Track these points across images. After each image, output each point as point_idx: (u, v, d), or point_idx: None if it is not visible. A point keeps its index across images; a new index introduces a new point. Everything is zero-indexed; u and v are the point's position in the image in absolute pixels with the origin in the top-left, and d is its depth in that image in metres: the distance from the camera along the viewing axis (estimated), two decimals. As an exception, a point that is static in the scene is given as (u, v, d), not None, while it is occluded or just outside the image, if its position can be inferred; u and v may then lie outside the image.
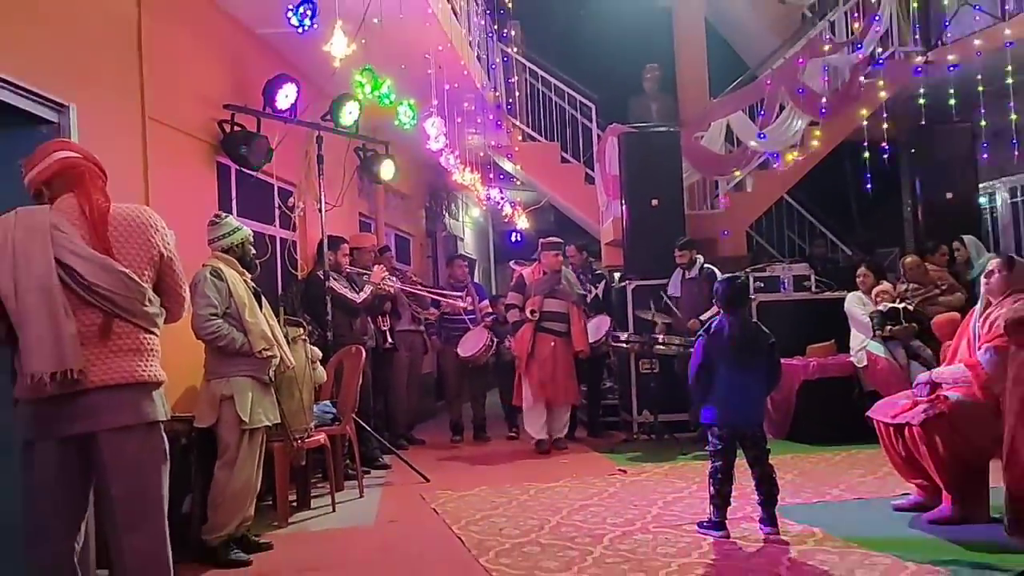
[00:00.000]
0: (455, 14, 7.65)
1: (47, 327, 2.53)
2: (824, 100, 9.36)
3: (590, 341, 7.59)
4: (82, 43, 4.32)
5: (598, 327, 7.84)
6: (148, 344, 2.77)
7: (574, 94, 10.90)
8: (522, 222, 12.47)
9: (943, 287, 7.07)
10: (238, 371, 4.34)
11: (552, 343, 7.23)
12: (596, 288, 8.36)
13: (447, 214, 13.33)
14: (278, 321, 4.78)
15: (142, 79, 4.87)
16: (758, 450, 4.35)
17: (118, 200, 2.94)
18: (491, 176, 10.80)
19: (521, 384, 7.35)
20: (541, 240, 7.66)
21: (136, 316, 2.72)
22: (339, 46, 4.25)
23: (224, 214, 4.63)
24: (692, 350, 4.57)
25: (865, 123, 9.51)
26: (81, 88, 4.21)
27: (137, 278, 2.70)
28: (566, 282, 7.39)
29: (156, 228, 2.83)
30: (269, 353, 4.33)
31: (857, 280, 7.06)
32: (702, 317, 7.03)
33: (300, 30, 4.09)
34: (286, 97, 5.87)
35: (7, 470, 3.04)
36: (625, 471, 6.23)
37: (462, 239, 14.36)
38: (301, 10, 4.11)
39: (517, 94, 10.97)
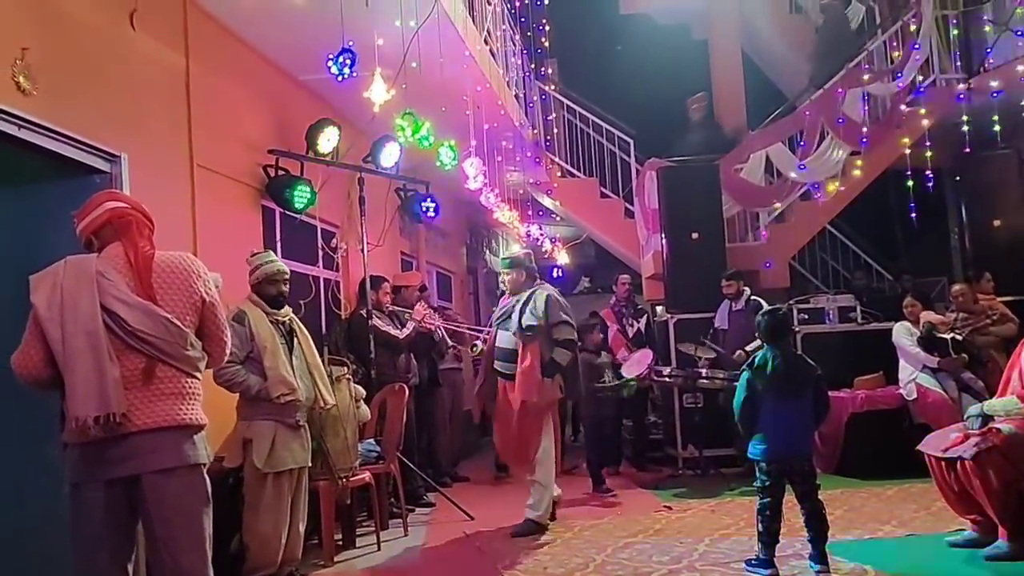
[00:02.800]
0: (493, 55, 7.77)
1: (92, 372, 2.61)
2: (865, 130, 9.30)
3: (630, 377, 7.55)
4: (133, 94, 4.48)
5: (640, 361, 7.80)
6: (190, 388, 2.84)
7: (612, 129, 10.96)
8: (562, 257, 12.50)
9: (994, 316, 6.92)
10: (260, 414, 4.35)
11: (502, 389, 5.66)
12: (638, 322, 8.34)
13: (488, 251, 13.43)
14: (322, 361, 4.84)
15: (190, 127, 5.03)
16: (807, 485, 4.28)
17: (167, 244, 3.03)
18: (530, 212, 10.87)
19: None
20: (501, 258, 6.29)
21: (178, 360, 2.79)
22: (379, 92, 4.35)
23: (258, 251, 4.71)
24: (736, 384, 4.54)
25: (908, 151, 9.41)
26: (132, 138, 4.36)
27: (180, 323, 2.78)
28: (524, 308, 5.53)
29: (199, 274, 2.90)
30: (288, 398, 4.31)
31: (905, 310, 6.94)
32: (747, 348, 6.96)
33: (340, 78, 4.19)
34: (328, 141, 6.00)
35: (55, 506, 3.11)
36: (671, 508, 6.16)
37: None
38: (341, 59, 4.21)
39: (555, 131, 11.06)
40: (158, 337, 2.73)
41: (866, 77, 9.49)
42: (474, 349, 6.04)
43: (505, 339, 5.58)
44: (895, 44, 9.88)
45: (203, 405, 2.92)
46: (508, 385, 5.54)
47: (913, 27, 9.61)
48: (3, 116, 3.49)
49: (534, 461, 5.50)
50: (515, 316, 5.49)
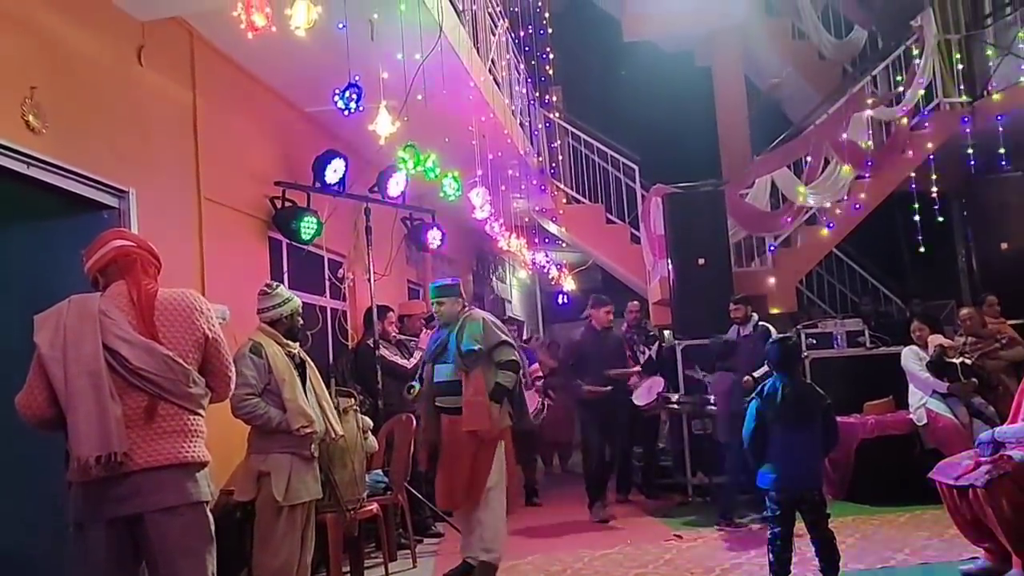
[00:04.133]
0: (497, 84, 7.83)
1: (94, 411, 2.61)
2: (870, 154, 9.32)
3: (641, 403, 7.53)
4: (141, 130, 4.53)
5: (650, 388, 7.77)
6: (192, 425, 2.83)
7: (616, 155, 11.01)
8: (569, 284, 12.51)
9: (1003, 340, 6.88)
10: (277, 447, 4.31)
11: (447, 424, 5.20)
12: (649, 349, 8.31)
13: (494, 277, 13.46)
14: (329, 392, 4.83)
15: (197, 161, 5.07)
16: (816, 515, 4.25)
17: (174, 277, 3.04)
18: (536, 240, 10.89)
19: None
20: (430, 286, 5.59)
21: (180, 398, 2.79)
22: (384, 126, 4.38)
23: (275, 284, 4.67)
24: (746, 410, 4.52)
25: (913, 175, 9.42)
26: (140, 173, 4.40)
27: (182, 361, 2.78)
28: (458, 336, 5.17)
29: (201, 311, 2.91)
30: (308, 430, 4.29)
31: (913, 335, 6.90)
32: (755, 375, 6.92)
33: (346, 113, 4.22)
34: (335, 172, 6.04)
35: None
36: (681, 536, 6.11)
37: (510, 301, 14.45)
38: (347, 94, 4.25)
39: (560, 158, 11.11)
40: (160, 375, 2.73)
41: (870, 102, 9.53)
42: (410, 391, 5.46)
43: (444, 372, 5.19)
44: (898, 69, 9.92)
45: (207, 439, 2.92)
46: (453, 420, 5.11)
47: (916, 51, 9.66)
48: (12, 154, 3.53)
49: (483, 496, 5.04)
50: (452, 346, 5.15)
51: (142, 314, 2.76)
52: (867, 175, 9.46)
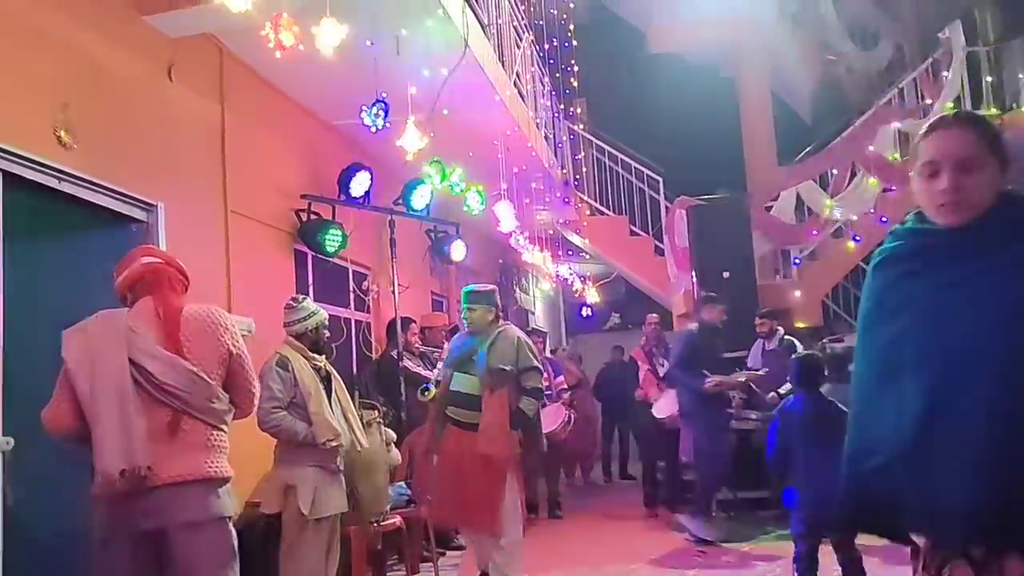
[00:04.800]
0: (522, 97, 7.86)
1: (118, 426, 2.65)
2: (897, 167, 9.23)
3: (663, 416, 7.49)
4: (170, 145, 4.59)
5: (673, 401, 7.73)
6: (215, 441, 2.86)
7: (640, 167, 10.99)
8: (592, 295, 12.49)
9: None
10: (303, 460, 4.32)
11: (456, 439, 4.88)
12: (669, 362, 8.27)
13: (517, 288, 13.45)
14: (353, 404, 4.84)
15: (225, 175, 5.13)
16: (843, 534, 4.19)
17: (201, 290, 3.07)
18: (560, 252, 10.89)
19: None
20: (463, 291, 5.21)
21: (204, 413, 2.81)
22: (412, 141, 4.41)
23: (301, 297, 4.68)
24: (769, 426, 4.48)
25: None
26: (168, 187, 4.46)
27: (206, 376, 2.81)
28: (491, 349, 4.88)
29: (226, 327, 2.93)
30: (334, 444, 4.30)
31: None
32: (780, 391, 6.87)
33: (373, 129, 4.26)
34: (360, 185, 6.09)
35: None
36: (705, 552, 6.06)
37: (533, 313, 14.43)
38: (374, 110, 4.29)
39: (584, 170, 11.12)
40: (185, 390, 2.76)
41: (897, 114, 9.45)
42: (426, 394, 5.15)
43: (464, 383, 4.89)
44: (927, 81, 9.84)
45: (232, 451, 2.95)
46: (464, 436, 4.81)
47: (944, 64, 9.57)
48: (45, 170, 3.59)
49: (501, 521, 4.75)
50: (480, 359, 4.84)
51: (168, 330, 2.79)
52: (894, 188, 9.37)
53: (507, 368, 4.82)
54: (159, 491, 2.69)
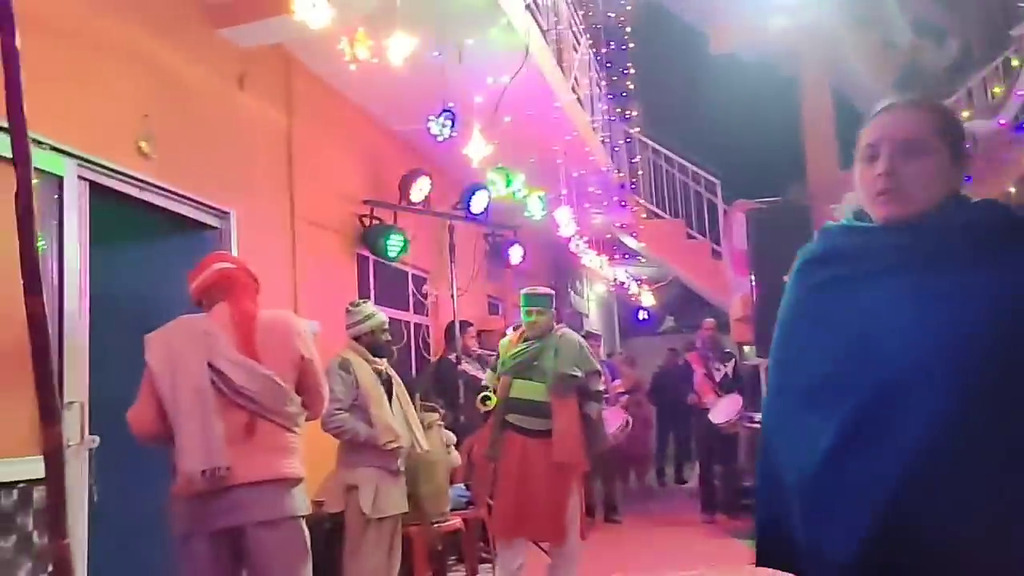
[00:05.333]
0: (580, 102, 7.88)
1: (198, 427, 2.74)
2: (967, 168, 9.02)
3: (719, 421, 7.45)
4: (241, 153, 4.72)
5: (728, 407, 7.69)
6: (289, 442, 2.95)
7: (698, 170, 10.92)
8: (648, 298, 12.44)
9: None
10: (365, 461, 4.38)
11: (521, 446, 4.71)
12: (725, 366, 8.23)
13: (572, 291, 13.45)
14: (414, 406, 4.91)
15: (291, 182, 5.26)
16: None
17: (269, 294, 3.16)
18: (616, 255, 10.88)
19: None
20: (521, 292, 5.02)
21: (279, 416, 2.91)
22: (478, 149, 4.47)
23: (360, 301, 4.77)
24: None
25: (1012, 190, 9.08)
26: (240, 194, 4.59)
27: (281, 381, 2.90)
28: (554, 354, 4.75)
29: (298, 332, 3.03)
30: (394, 445, 4.36)
31: None
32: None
33: (440, 138, 4.33)
34: (420, 190, 6.19)
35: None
36: (764, 559, 6.00)
37: (587, 316, 14.41)
38: (441, 119, 4.36)
39: (640, 173, 11.09)
40: (260, 394, 2.85)
41: (965, 114, 9.23)
42: (487, 403, 4.84)
43: (529, 390, 4.74)
44: (996, 80, 9.59)
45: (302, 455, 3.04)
46: (529, 443, 4.68)
47: (1015, 62, 9.32)
48: (127, 179, 3.74)
49: (567, 527, 4.69)
50: (545, 363, 4.73)
51: (244, 335, 2.89)
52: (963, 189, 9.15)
53: (577, 373, 4.71)
54: (236, 490, 2.78)
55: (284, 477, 2.89)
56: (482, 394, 4.82)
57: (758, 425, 6.96)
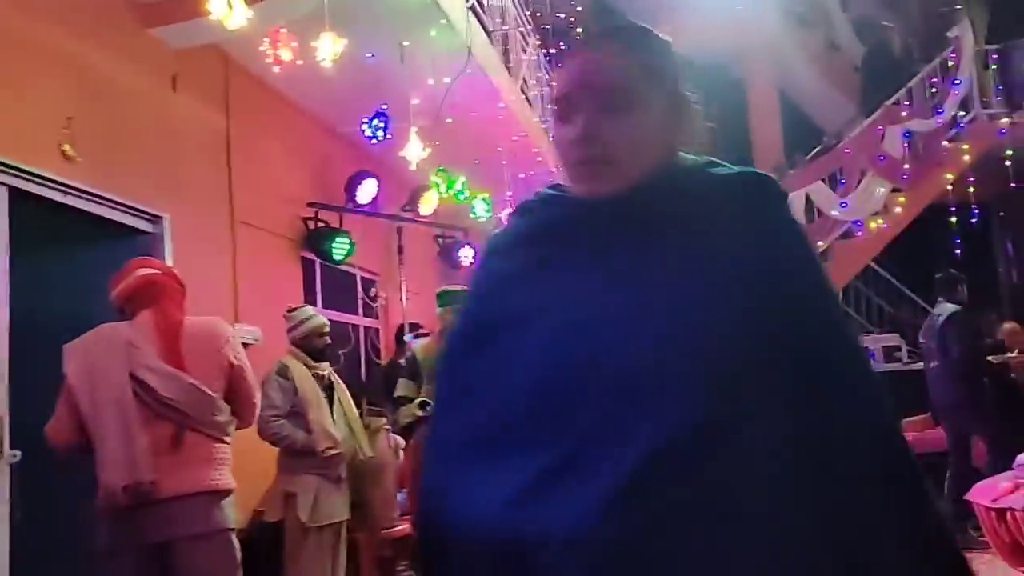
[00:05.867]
0: (528, 102, 7.85)
1: (121, 441, 2.66)
2: (906, 166, 9.20)
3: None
4: (175, 156, 4.62)
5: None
6: (218, 453, 2.87)
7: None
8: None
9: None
10: (304, 468, 4.31)
11: None
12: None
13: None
14: (360, 411, 4.85)
15: (231, 184, 5.15)
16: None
17: (208, 300, 3.09)
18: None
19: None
20: (438, 291, 4.80)
21: (206, 426, 2.83)
22: (414, 151, 4.42)
23: (296, 306, 4.69)
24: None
25: (951, 187, 9.28)
26: (174, 198, 4.48)
27: (207, 389, 2.82)
28: None
29: (226, 339, 2.95)
30: (333, 452, 4.29)
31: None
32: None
33: (374, 141, 4.28)
34: (367, 192, 6.11)
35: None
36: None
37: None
38: (375, 122, 4.31)
39: (592, 173, 11.10)
40: (186, 404, 2.77)
41: (905, 114, 9.42)
42: (428, 409, 4.14)
43: None
44: (934, 80, 9.79)
45: (239, 460, 2.97)
46: None
47: (952, 63, 9.53)
48: (50, 183, 3.62)
49: None
50: None
51: (168, 344, 2.80)
52: (903, 187, 9.34)
53: None
54: (163, 504, 2.70)
55: (213, 489, 2.82)
56: (420, 400, 4.31)
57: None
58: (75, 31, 3.91)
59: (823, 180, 9.49)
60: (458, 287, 4.66)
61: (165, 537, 2.72)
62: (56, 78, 3.78)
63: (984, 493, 4.52)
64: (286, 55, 3.35)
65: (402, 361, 6.40)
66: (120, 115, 4.17)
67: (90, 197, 3.85)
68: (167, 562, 2.76)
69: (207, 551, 2.78)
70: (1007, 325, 7.07)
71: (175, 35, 4.54)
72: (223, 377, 2.91)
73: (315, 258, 6.21)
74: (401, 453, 5.46)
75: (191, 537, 2.74)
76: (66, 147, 3.69)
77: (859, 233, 9.64)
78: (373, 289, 7.25)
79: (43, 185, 3.59)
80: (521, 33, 8.14)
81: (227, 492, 2.88)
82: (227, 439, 2.93)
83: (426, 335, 6.30)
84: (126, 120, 4.22)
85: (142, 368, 2.74)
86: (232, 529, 2.89)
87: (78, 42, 3.93)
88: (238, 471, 3.11)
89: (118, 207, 4.04)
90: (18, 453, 3.29)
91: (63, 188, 3.69)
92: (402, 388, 4.67)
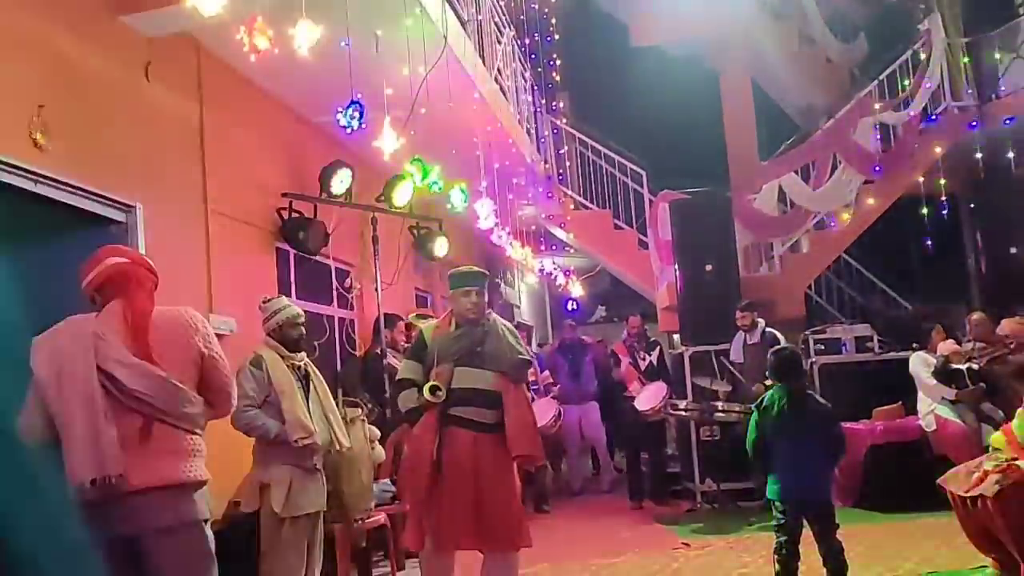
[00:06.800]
0: (503, 93, 7.85)
1: (87, 434, 2.63)
2: (878, 158, 9.31)
3: (643, 408, 7.54)
4: (148, 145, 4.57)
5: (654, 394, 7.78)
6: (189, 445, 2.84)
7: (624, 161, 11.02)
8: (577, 289, 12.51)
9: (1012, 345, 6.83)
10: (278, 459, 4.30)
11: (471, 442, 4.10)
12: (650, 355, 8.32)
13: (503, 282, 13.45)
14: (336, 402, 4.84)
15: (204, 174, 5.11)
16: (823, 524, 4.23)
17: (182, 290, 3.04)
18: (543, 247, 10.90)
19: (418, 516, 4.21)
20: (450, 272, 4.50)
21: (176, 418, 2.79)
22: (389, 142, 4.40)
23: (270, 297, 4.65)
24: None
25: (922, 179, 9.40)
26: (147, 188, 4.44)
27: (176, 381, 2.78)
28: (497, 339, 4.25)
29: (196, 328, 2.90)
30: (307, 442, 4.26)
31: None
32: (767, 383, 6.90)
33: (349, 130, 4.25)
34: (341, 182, 6.08)
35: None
36: (689, 544, 6.10)
37: (518, 307, 14.44)
38: (350, 111, 4.28)
39: (568, 164, 11.13)
40: (155, 397, 2.73)
41: (877, 106, 9.52)
42: (438, 393, 4.07)
43: (475, 379, 4.13)
44: (906, 73, 9.90)
45: (213, 453, 2.94)
46: (480, 438, 4.08)
47: (923, 56, 9.64)
48: (20, 172, 3.57)
49: (526, 531, 4.22)
50: (494, 348, 4.20)
51: (136, 335, 2.76)
52: (875, 179, 9.45)
53: (528, 358, 4.31)
54: (132, 497, 2.68)
55: (182, 482, 2.78)
56: (430, 384, 4.07)
57: (684, 413, 7.08)
58: (46, 18, 3.86)
59: (795, 172, 9.58)
60: (470, 268, 4.49)
61: (135, 530, 2.70)
62: (27, 65, 3.72)
63: (955, 480, 4.60)
64: (262, 43, 3.31)
65: (378, 351, 6.41)
66: (92, 103, 4.12)
67: (61, 186, 3.80)
68: (138, 554, 2.73)
69: (177, 544, 2.75)
70: (974, 316, 7.18)
71: (148, 23, 4.49)
72: (194, 368, 2.87)
73: (289, 248, 6.18)
74: (376, 444, 5.46)
75: (161, 530, 2.72)
76: (37, 135, 3.65)
77: (832, 225, 9.74)
78: (348, 280, 7.23)
79: (13, 174, 3.54)
80: (496, 24, 8.14)
81: (198, 484, 2.85)
82: (199, 431, 2.90)
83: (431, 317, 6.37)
84: (98, 108, 4.17)
85: (109, 360, 2.70)
86: (205, 520, 2.86)
87: (49, 29, 3.88)
88: (217, 462, 3.09)
89: (90, 196, 3.99)
90: (-11, 446, 3.24)
91: (34, 177, 3.64)
92: (406, 370, 4.31)
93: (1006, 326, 6.66)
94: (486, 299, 4.35)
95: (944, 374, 6.42)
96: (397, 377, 4.41)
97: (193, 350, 2.87)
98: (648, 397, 7.69)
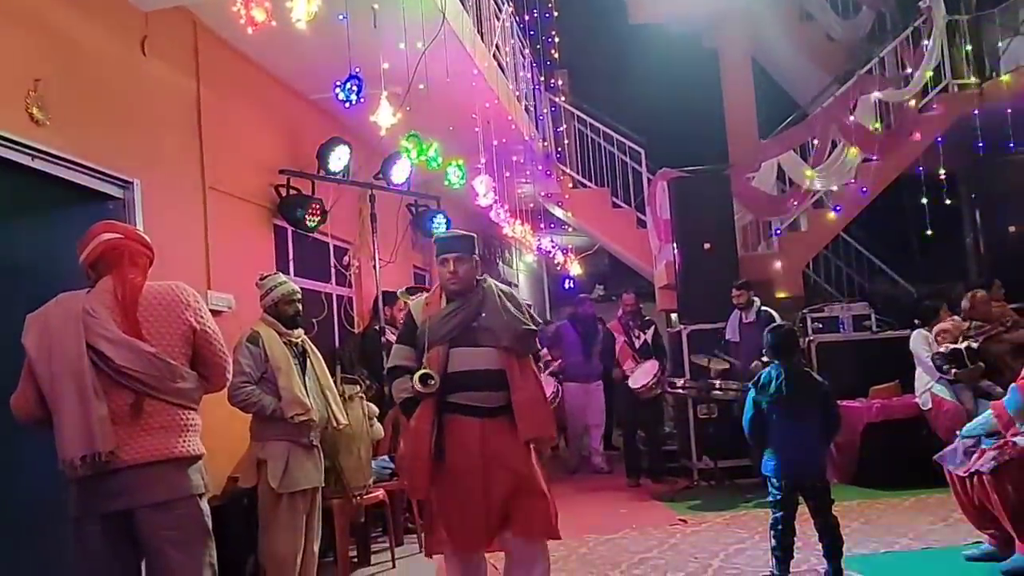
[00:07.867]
0: (502, 69, 7.80)
1: (78, 411, 2.63)
2: (877, 137, 9.27)
3: (637, 386, 7.56)
4: (145, 120, 4.54)
5: (647, 372, 7.81)
6: (183, 420, 2.83)
7: (623, 139, 10.98)
8: (575, 268, 12.51)
9: (1008, 323, 6.84)
10: (274, 435, 4.31)
11: (479, 430, 3.56)
12: (645, 334, 8.34)
13: (500, 261, 13.45)
14: (334, 379, 4.85)
15: (202, 150, 5.08)
16: (819, 500, 4.27)
17: (180, 267, 3.02)
18: (542, 225, 10.87)
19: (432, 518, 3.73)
20: (435, 238, 3.90)
21: (167, 394, 2.79)
22: (385, 117, 4.37)
23: (267, 274, 4.64)
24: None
25: (921, 158, 9.38)
26: (145, 164, 4.42)
27: (166, 357, 2.78)
28: (495, 311, 3.65)
29: (187, 304, 2.89)
30: (303, 418, 4.28)
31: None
32: (764, 359, 6.91)
33: (347, 104, 4.23)
34: (339, 159, 6.06)
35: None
36: (686, 521, 6.14)
37: (516, 285, 14.46)
38: (348, 86, 4.26)
39: (566, 142, 11.09)
40: (144, 373, 2.73)
41: (877, 84, 9.47)
42: (430, 382, 3.50)
43: (474, 358, 3.60)
44: (906, 51, 9.85)
45: (215, 429, 2.94)
46: (488, 426, 3.57)
47: (924, 33, 9.59)
48: (17, 147, 3.55)
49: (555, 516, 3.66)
50: (493, 320, 3.63)
51: (125, 311, 2.75)
52: (875, 158, 9.42)
53: (533, 328, 3.74)
54: (124, 473, 2.68)
55: (175, 457, 2.78)
56: (420, 372, 3.51)
57: (682, 391, 7.09)
58: (40, -9, 3.81)
59: (795, 150, 9.55)
60: (450, 232, 4.12)
61: (127, 505, 2.70)
62: (23, 39, 3.69)
63: (952, 457, 4.63)
64: (260, 15, 3.29)
65: (376, 328, 6.41)
66: (89, 78, 4.09)
67: (59, 161, 3.78)
68: (133, 530, 2.74)
69: (172, 518, 2.75)
70: (978, 294, 7.17)
71: (143, -3, 4.44)
72: (186, 343, 2.86)
73: (287, 225, 6.16)
74: (375, 421, 5.47)
75: (153, 505, 2.72)
76: (34, 110, 3.62)
77: (837, 210, 9.67)
78: (346, 257, 7.22)
79: (10, 149, 3.52)
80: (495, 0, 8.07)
81: (192, 459, 2.84)
82: (193, 406, 2.90)
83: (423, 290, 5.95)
84: (95, 83, 4.14)
85: (98, 338, 2.69)
86: (201, 495, 2.86)
87: (46, 2, 3.84)
88: (216, 437, 3.10)
89: (87, 172, 3.97)
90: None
91: (31, 152, 3.61)
92: (397, 356, 3.73)
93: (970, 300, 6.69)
94: (474, 265, 3.69)
95: (945, 358, 6.42)
96: (388, 365, 3.87)
97: (185, 325, 2.86)
98: (641, 375, 7.71)
